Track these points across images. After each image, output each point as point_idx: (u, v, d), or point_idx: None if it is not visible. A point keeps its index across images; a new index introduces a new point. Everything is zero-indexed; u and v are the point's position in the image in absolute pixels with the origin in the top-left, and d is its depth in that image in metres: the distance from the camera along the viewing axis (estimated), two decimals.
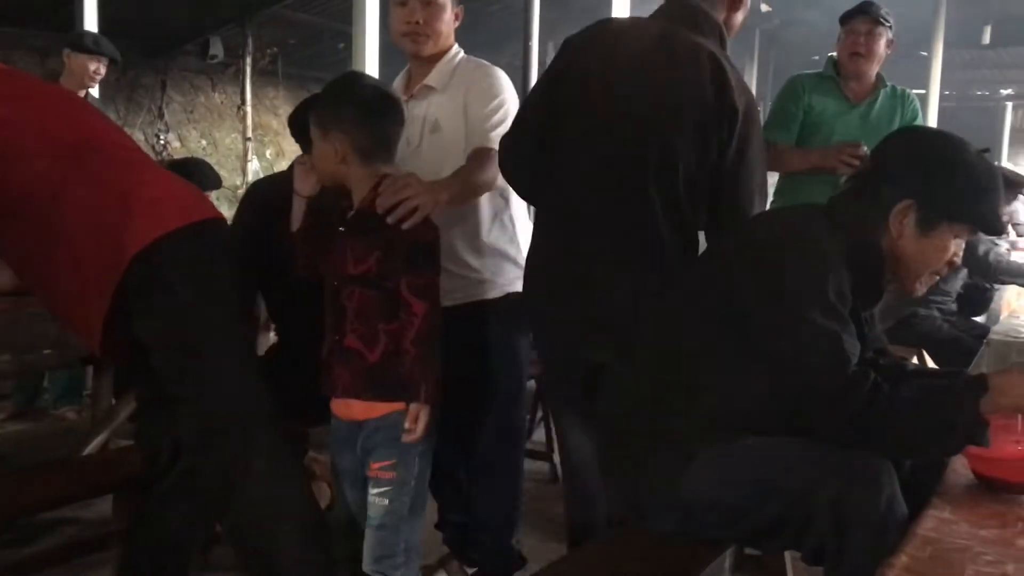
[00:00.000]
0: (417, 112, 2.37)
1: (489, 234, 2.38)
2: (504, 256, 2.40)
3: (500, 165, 2.20)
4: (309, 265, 2.11)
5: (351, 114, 1.98)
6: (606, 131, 2.01)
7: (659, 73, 2.00)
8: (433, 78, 2.38)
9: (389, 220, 1.87)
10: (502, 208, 2.41)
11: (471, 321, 2.34)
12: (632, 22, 2.31)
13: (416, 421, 1.89)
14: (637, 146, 1.99)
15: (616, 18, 2.36)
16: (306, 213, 2.11)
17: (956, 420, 1.49)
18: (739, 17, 2.16)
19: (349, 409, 2.01)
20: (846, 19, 3.27)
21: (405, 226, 1.88)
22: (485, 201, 2.36)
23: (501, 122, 2.26)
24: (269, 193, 2.75)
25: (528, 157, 2.13)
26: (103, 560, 2.45)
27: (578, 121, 2.05)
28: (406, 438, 1.91)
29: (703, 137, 1.97)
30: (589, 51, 2.09)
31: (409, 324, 1.88)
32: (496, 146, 2.18)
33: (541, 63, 7.34)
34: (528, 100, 2.21)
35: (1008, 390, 1.48)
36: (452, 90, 2.35)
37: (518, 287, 2.33)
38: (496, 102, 2.29)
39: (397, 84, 2.48)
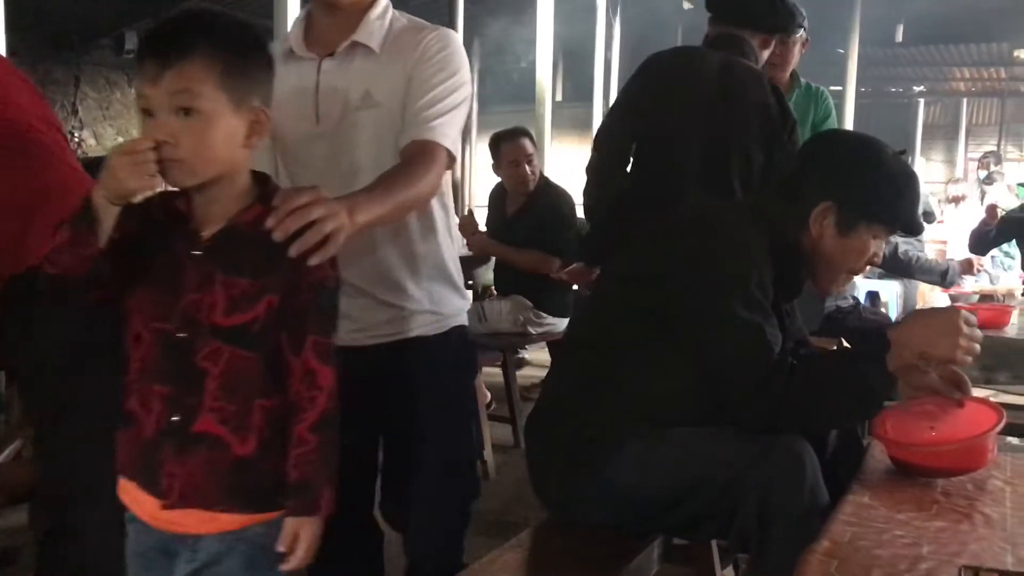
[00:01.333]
0: (336, 77, 1.73)
1: (433, 251, 1.83)
2: (448, 280, 1.87)
3: (593, 190, 2.68)
4: (108, 298, 1.35)
5: (267, 74, 1.36)
6: (696, 138, 2.49)
7: (732, 94, 2.51)
8: (367, 34, 1.73)
9: (292, 252, 1.23)
10: (443, 217, 1.86)
11: (400, 365, 1.80)
12: (697, 51, 2.66)
13: (299, 541, 1.29)
14: (721, 150, 2.49)
15: (685, 47, 2.77)
16: (120, 223, 1.29)
17: (867, 383, 1.57)
18: (765, 54, 2.67)
19: (175, 518, 1.31)
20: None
21: (313, 261, 1.25)
22: (434, 206, 1.82)
23: (453, 107, 1.69)
24: None
25: (620, 175, 2.61)
26: (18, 572, 2.37)
27: (668, 130, 2.52)
28: (287, 566, 1.30)
29: (770, 142, 2.52)
30: (669, 76, 2.58)
31: (311, 402, 1.29)
32: (442, 139, 1.65)
33: None
34: (614, 120, 2.65)
35: (907, 340, 1.55)
36: (392, 54, 1.72)
37: (464, 320, 1.92)
38: (453, 80, 1.70)
39: (293, 37, 1.81)
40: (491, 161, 4.27)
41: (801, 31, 3.26)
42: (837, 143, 1.85)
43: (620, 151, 2.63)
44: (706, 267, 1.65)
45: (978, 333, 1.54)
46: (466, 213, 4.71)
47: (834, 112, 3.45)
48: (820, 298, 3.69)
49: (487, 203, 4.53)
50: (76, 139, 9.09)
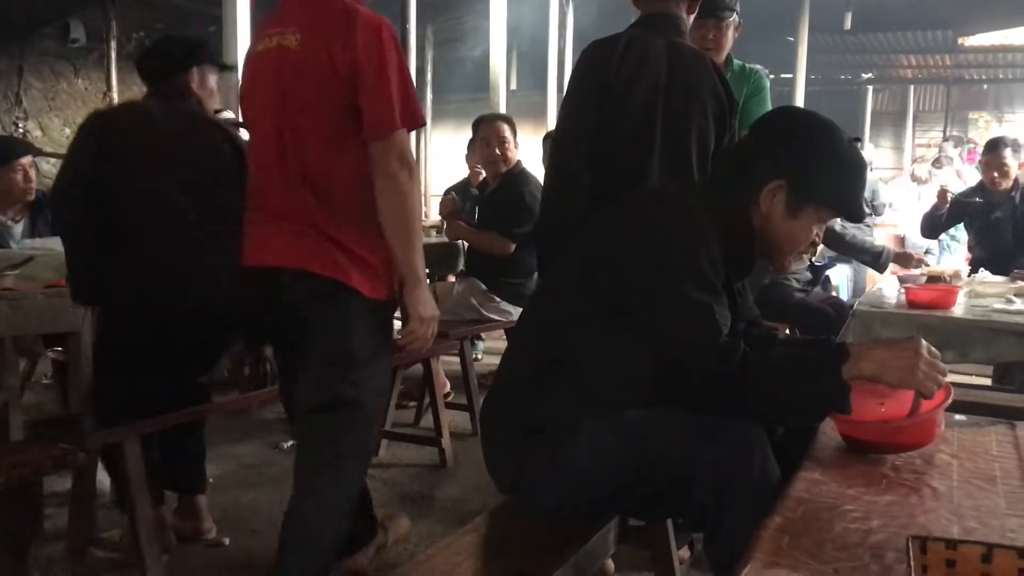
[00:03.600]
0: None
1: None
2: None
3: (559, 192, 2.37)
4: None
5: None
6: (657, 132, 2.38)
7: (685, 82, 2.40)
8: None
9: None
10: None
11: None
12: (639, 37, 2.43)
13: None
14: (682, 141, 2.40)
15: (626, 36, 2.42)
16: None
17: (820, 387, 1.54)
18: (691, 19, 2.55)
19: None
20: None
21: None
22: None
23: None
24: (108, 126, 2.57)
25: (584, 173, 2.33)
26: None
27: (630, 127, 2.37)
28: None
29: (721, 124, 2.47)
30: (621, 67, 2.35)
31: None
32: None
33: (419, 47, 7.29)
34: (577, 108, 2.39)
35: (867, 358, 1.52)
36: None
37: None
38: None
39: None
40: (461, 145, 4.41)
41: (734, 15, 3.29)
42: (796, 122, 1.82)
43: (583, 153, 2.36)
44: (656, 247, 1.65)
45: (941, 366, 1.51)
46: (445, 196, 4.80)
47: (767, 88, 3.46)
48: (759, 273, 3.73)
49: (457, 194, 4.62)
50: (21, 130, 8.87)
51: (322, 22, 2.05)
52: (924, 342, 1.53)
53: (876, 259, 4.66)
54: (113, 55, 9.02)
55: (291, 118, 2.06)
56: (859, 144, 1.80)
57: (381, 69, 2.01)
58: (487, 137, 4.26)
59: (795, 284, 4.37)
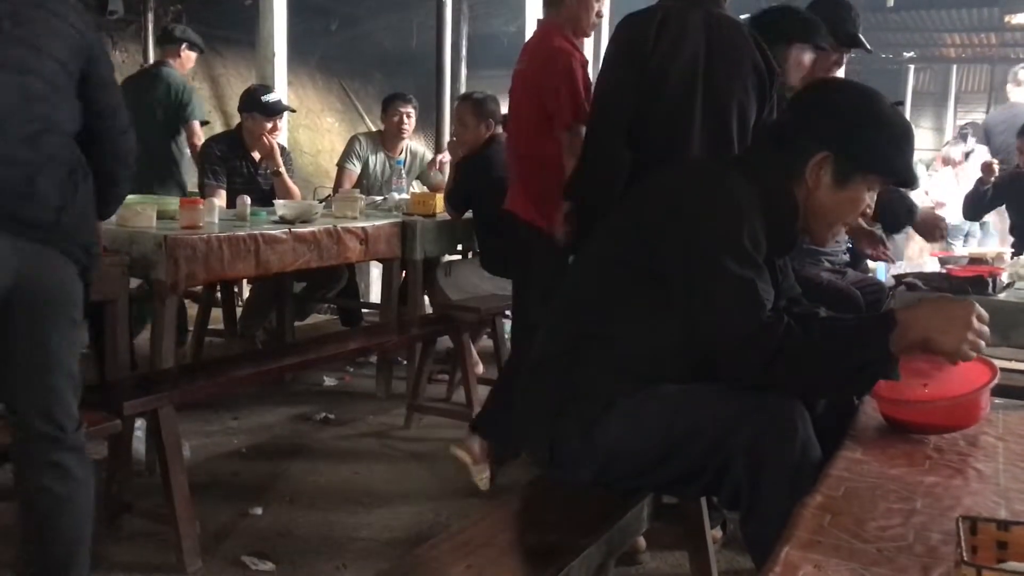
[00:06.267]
0: None
1: None
2: None
3: (601, 148, 2.51)
4: None
5: None
6: (694, 104, 2.43)
7: (724, 54, 2.44)
8: None
9: None
10: None
11: None
12: (675, 10, 2.48)
13: None
14: (723, 111, 2.44)
15: (660, 9, 2.47)
16: None
17: (866, 357, 1.51)
18: None
19: None
20: (827, 44, 2.91)
21: None
22: None
23: None
24: None
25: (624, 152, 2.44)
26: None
27: (669, 99, 2.44)
28: None
29: (761, 96, 2.49)
30: (658, 44, 2.43)
31: None
32: None
33: (455, 20, 7.26)
34: (614, 86, 2.50)
35: (915, 324, 1.49)
36: None
37: None
38: None
39: None
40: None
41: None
42: (835, 92, 1.79)
43: (621, 130, 2.45)
44: (697, 222, 1.62)
45: (986, 330, 1.47)
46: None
47: None
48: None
49: None
50: None
51: (536, 56, 3.13)
52: (978, 307, 1.49)
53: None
54: (150, 27, 9.04)
55: (516, 117, 3.23)
56: (901, 107, 1.76)
57: (558, 85, 2.97)
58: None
59: (827, 265, 4.28)
